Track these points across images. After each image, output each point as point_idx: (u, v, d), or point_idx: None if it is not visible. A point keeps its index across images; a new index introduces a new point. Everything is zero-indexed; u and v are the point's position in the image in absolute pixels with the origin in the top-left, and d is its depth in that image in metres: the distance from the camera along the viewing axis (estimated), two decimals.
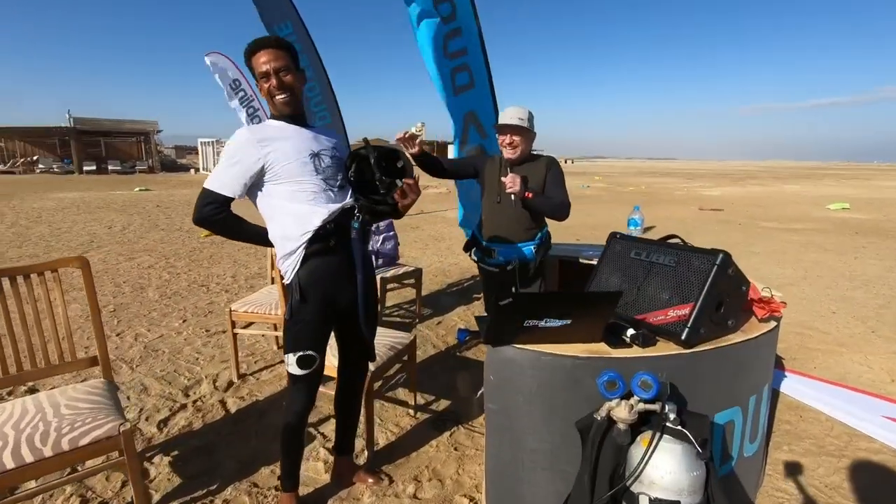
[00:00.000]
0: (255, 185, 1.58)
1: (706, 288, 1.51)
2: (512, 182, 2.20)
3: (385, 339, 2.38)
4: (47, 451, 1.52)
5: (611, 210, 12.53)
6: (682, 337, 1.49)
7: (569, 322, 1.48)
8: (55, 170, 27.39)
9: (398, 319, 4.05)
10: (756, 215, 11.51)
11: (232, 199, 1.55)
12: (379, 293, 3.72)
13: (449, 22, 3.53)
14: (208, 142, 26.66)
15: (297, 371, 1.65)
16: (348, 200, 1.65)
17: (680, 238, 1.78)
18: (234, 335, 2.86)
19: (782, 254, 6.89)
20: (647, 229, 8.70)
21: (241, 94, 11.22)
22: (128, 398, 2.65)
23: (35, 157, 29.31)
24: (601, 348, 1.53)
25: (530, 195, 2.24)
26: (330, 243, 1.60)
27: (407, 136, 2.15)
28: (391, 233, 3.91)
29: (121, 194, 15.30)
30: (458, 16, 3.49)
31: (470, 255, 2.64)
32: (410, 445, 2.31)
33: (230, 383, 2.85)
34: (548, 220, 2.51)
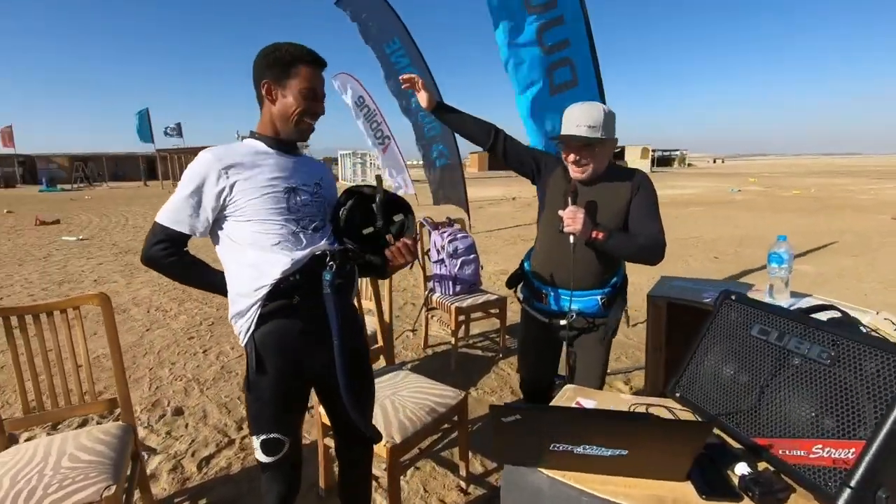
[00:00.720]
0: (216, 222, 1.27)
1: (893, 418, 0.84)
2: (572, 218, 1.54)
3: (425, 397, 1.97)
4: None
5: (765, 220, 10.58)
6: (839, 503, 0.85)
7: (624, 453, 0.93)
8: None
9: (479, 353, 3.62)
10: None
11: (188, 237, 1.26)
12: (455, 324, 3.35)
13: (546, 11, 3.06)
14: (346, 153, 28.95)
15: (263, 458, 1.32)
16: (322, 244, 1.29)
17: (840, 310, 1.09)
18: None
19: None
20: (806, 252, 6.95)
21: (366, 110, 11.65)
22: (186, 426, 2.62)
23: None
24: (684, 495, 0.95)
25: (600, 235, 1.54)
26: (293, 300, 1.25)
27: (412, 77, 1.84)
28: (471, 256, 3.49)
29: None
30: (560, 1, 3.01)
31: (515, 293, 2.00)
32: None
33: None
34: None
